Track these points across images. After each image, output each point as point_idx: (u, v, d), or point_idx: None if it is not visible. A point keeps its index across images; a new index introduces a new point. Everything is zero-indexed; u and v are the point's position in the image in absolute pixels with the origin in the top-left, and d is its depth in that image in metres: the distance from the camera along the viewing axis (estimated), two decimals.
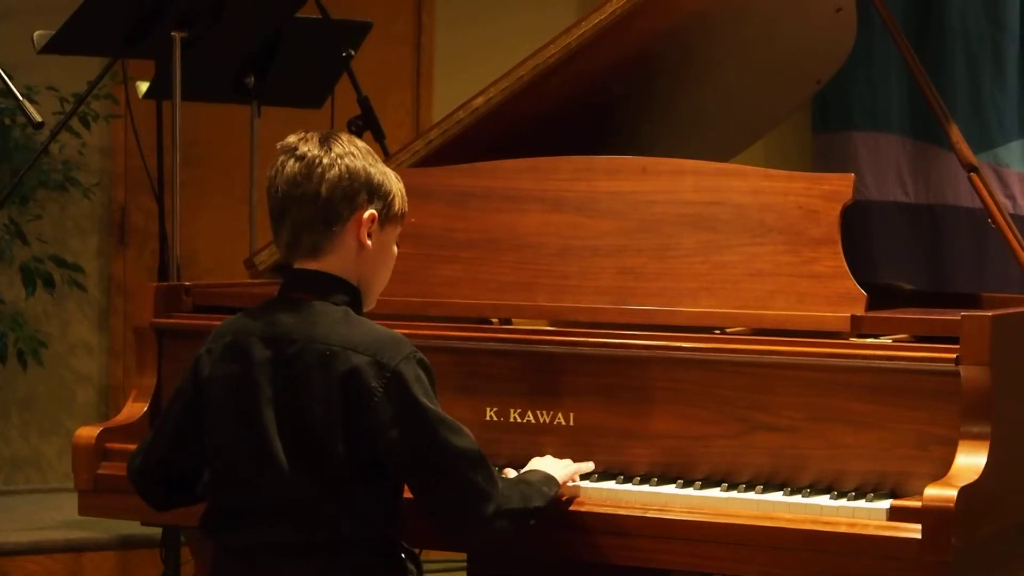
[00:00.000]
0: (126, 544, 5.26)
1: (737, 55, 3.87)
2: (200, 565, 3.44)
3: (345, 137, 2.93)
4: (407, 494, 2.90)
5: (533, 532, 2.94)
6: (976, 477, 2.80)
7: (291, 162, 2.89)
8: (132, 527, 4.61)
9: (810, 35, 3.92)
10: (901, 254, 6.49)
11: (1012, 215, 5.77)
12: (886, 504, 2.84)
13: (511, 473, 3.04)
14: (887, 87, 6.53)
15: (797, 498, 2.93)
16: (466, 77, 4.57)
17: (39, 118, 4.12)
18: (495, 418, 3.20)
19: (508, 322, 3.35)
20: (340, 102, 5.15)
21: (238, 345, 2.90)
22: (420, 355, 2.86)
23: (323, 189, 2.87)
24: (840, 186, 3.15)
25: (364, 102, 4.97)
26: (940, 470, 2.84)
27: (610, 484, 3.06)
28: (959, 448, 2.84)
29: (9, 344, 5.70)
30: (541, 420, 3.17)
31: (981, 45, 6.46)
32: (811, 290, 3.10)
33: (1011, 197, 6.41)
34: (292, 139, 2.93)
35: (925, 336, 2.99)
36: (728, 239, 3.19)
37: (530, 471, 3.02)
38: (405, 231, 3.02)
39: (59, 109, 5.61)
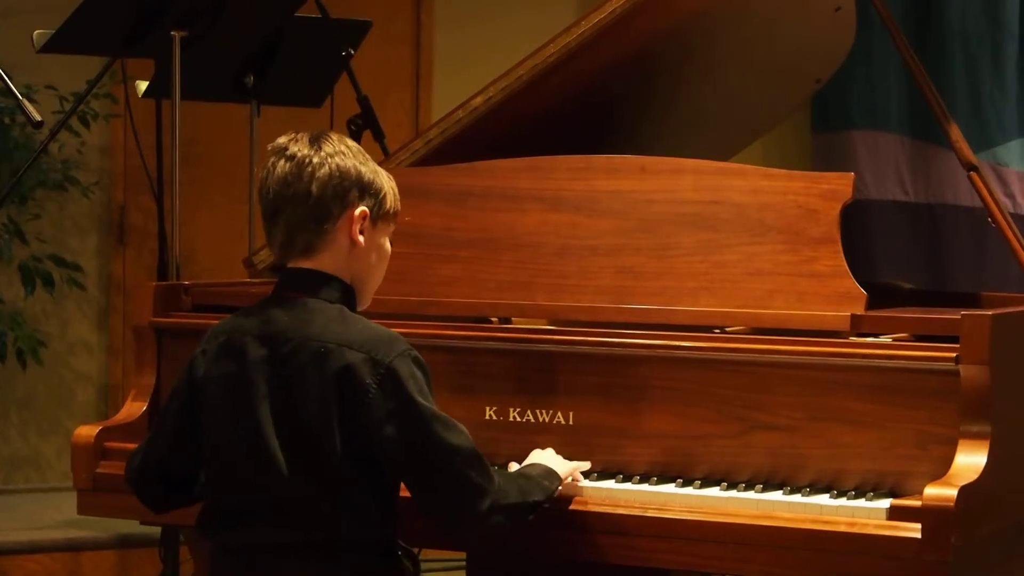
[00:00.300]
0: (125, 543, 5.26)
1: (736, 55, 3.87)
2: (199, 564, 3.44)
3: (335, 137, 2.94)
4: (404, 493, 2.90)
5: (532, 532, 2.94)
6: (976, 476, 2.80)
7: (281, 163, 2.90)
8: (131, 526, 4.60)
9: (809, 35, 3.91)
10: (900, 253, 6.49)
11: (1012, 214, 5.76)
12: (886, 503, 2.84)
13: (513, 467, 3.04)
14: (886, 86, 6.53)
15: (797, 497, 2.92)
16: (465, 77, 4.57)
17: (38, 117, 4.12)
18: (494, 417, 3.20)
19: (507, 321, 3.35)
20: (340, 101, 5.15)
21: (233, 344, 2.91)
22: (415, 352, 2.86)
23: (314, 188, 2.88)
24: (840, 185, 3.15)
25: (364, 101, 4.97)
26: (940, 469, 2.84)
27: (609, 483, 3.06)
28: (959, 447, 2.84)
29: (8, 343, 5.70)
30: (540, 419, 3.17)
31: (980, 45, 6.46)
32: (811, 289, 3.10)
33: (1011, 196, 6.41)
34: (282, 140, 2.94)
35: (925, 335, 2.98)
36: (727, 238, 3.19)
37: (531, 465, 3.02)
38: (404, 230, 3.02)
39: (58, 108, 5.61)
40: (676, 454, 3.08)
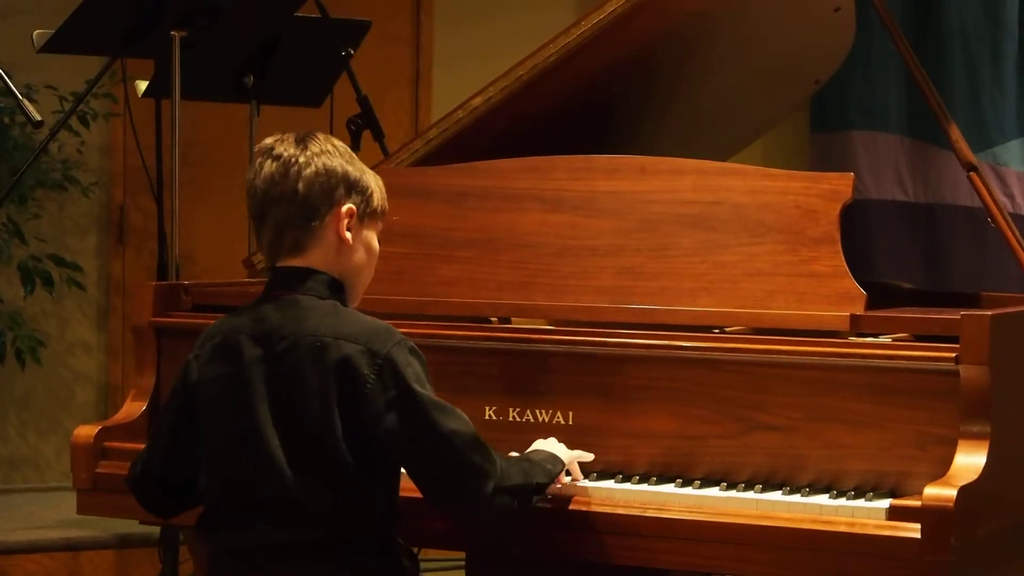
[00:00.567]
0: (124, 543, 5.26)
1: (736, 55, 3.87)
2: (198, 564, 3.44)
3: (322, 136, 2.96)
4: (403, 493, 2.90)
5: (532, 531, 2.94)
6: (975, 477, 2.80)
7: (268, 163, 2.92)
8: (130, 526, 4.61)
9: (809, 35, 3.91)
10: (900, 253, 6.49)
11: (1011, 214, 5.77)
12: (885, 504, 2.84)
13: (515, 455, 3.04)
14: (886, 86, 6.53)
15: (796, 497, 2.92)
16: (465, 77, 4.57)
17: (38, 117, 4.12)
18: (494, 417, 3.20)
19: (507, 321, 3.35)
20: (339, 101, 5.15)
21: (228, 345, 2.92)
22: (410, 343, 2.88)
23: (300, 186, 2.90)
24: (839, 185, 3.15)
25: (363, 101, 4.96)
26: (939, 469, 2.84)
27: (609, 483, 3.06)
28: (958, 447, 2.84)
29: (8, 343, 5.70)
30: (540, 419, 3.17)
31: (980, 45, 6.46)
32: (810, 289, 3.10)
33: (1010, 196, 6.41)
34: (269, 141, 2.96)
35: (924, 335, 2.98)
36: (727, 238, 3.19)
37: (534, 451, 3.03)
38: (403, 230, 3.03)
39: (58, 108, 5.61)
40: (676, 454, 3.08)
